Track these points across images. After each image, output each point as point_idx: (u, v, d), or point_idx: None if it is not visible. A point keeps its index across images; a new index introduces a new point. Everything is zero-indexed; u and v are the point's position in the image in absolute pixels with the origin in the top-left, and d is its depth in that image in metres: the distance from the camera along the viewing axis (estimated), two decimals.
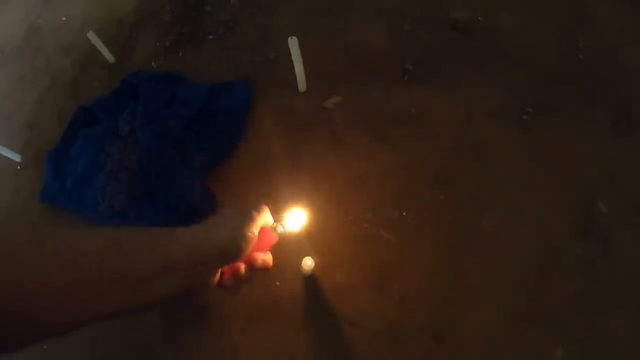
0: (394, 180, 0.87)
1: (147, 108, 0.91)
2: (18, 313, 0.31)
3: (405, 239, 0.82)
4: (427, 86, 0.93)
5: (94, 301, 0.35)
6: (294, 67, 0.90)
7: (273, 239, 0.49)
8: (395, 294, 0.78)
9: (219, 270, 0.45)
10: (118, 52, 1.24)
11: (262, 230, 0.47)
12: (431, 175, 0.86)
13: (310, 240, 0.81)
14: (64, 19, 1.40)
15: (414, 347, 0.74)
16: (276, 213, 0.50)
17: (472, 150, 0.87)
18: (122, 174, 0.86)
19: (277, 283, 0.81)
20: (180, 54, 1.18)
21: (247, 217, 0.44)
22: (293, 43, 0.84)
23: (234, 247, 0.42)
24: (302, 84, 0.94)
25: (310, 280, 0.81)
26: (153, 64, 1.18)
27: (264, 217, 0.47)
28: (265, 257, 0.48)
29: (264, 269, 0.48)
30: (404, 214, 0.84)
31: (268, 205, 0.48)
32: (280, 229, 0.49)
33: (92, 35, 1.15)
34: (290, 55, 0.87)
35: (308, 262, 0.78)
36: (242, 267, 0.47)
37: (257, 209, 0.46)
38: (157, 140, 0.88)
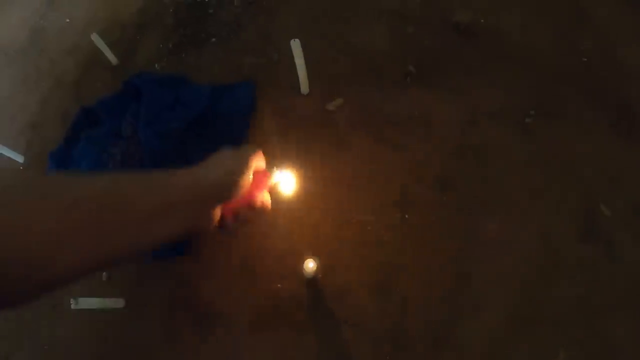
0: (396, 183, 0.87)
1: (149, 109, 0.91)
2: (19, 263, 0.31)
3: (406, 241, 0.82)
4: (429, 88, 0.93)
5: (95, 245, 0.36)
6: (296, 69, 0.90)
7: (268, 180, 0.51)
8: (396, 297, 0.78)
9: (219, 212, 0.46)
10: (121, 53, 1.24)
11: (257, 172, 0.49)
12: (433, 178, 0.86)
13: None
14: (67, 20, 1.41)
15: (415, 349, 0.74)
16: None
17: (473, 152, 0.87)
18: None
19: (279, 285, 0.81)
20: (183, 55, 1.18)
21: (242, 156, 0.46)
22: (295, 45, 0.84)
23: (231, 183, 0.44)
24: (304, 86, 0.95)
25: (312, 282, 0.81)
26: (156, 65, 1.19)
27: (258, 159, 0.49)
28: (263, 198, 0.50)
29: (264, 210, 0.50)
30: (406, 216, 0.83)
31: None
32: (275, 171, 0.52)
33: (95, 37, 1.15)
34: (292, 57, 0.87)
35: (310, 265, 0.78)
36: (242, 208, 0.49)
37: (251, 150, 0.48)
38: (160, 141, 0.88)
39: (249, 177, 0.46)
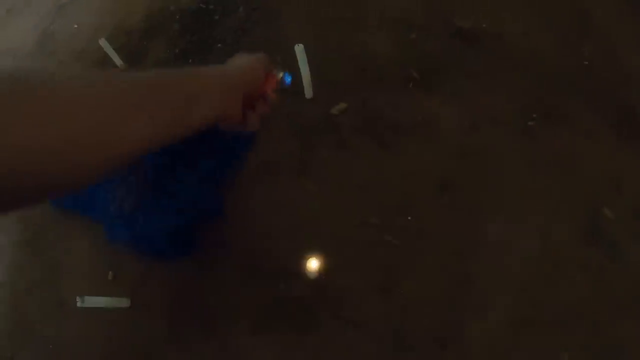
0: (399, 186, 0.88)
1: None
2: (92, 135, 0.36)
3: (410, 243, 0.83)
4: (432, 93, 0.95)
5: (151, 123, 0.42)
6: (300, 74, 0.92)
7: (274, 78, 0.64)
8: (400, 299, 0.79)
9: (240, 105, 0.55)
10: (129, 59, 1.26)
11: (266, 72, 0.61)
12: (436, 181, 0.87)
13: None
14: (75, 26, 1.43)
15: (419, 351, 0.74)
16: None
17: (476, 155, 0.88)
18: (131, 176, 0.87)
19: (283, 286, 0.82)
20: (190, 60, 1.20)
21: (256, 56, 0.59)
22: (300, 50, 0.86)
23: (251, 74, 0.56)
24: (308, 90, 0.96)
25: (315, 283, 0.81)
26: None
27: (267, 60, 0.61)
28: (273, 93, 0.63)
29: (274, 103, 0.64)
30: (409, 218, 0.84)
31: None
32: (280, 72, 0.65)
33: (103, 43, 1.17)
34: (297, 62, 0.88)
35: (313, 264, 0.79)
36: (258, 102, 0.61)
37: (261, 55, 0.60)
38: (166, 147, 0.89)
39: (263, 71, 0.58)
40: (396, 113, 0.94)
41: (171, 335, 0.83)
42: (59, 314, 0.88)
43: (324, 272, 0.82)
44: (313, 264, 0.80)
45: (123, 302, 0.83)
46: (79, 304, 0.77)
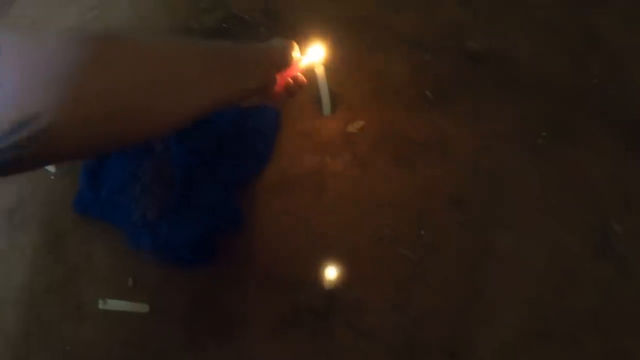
0: (413, 201, 0.90)
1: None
2: (168, 96, 0.43)
3: (423, 257, 0.85)
4: (445, 113, 0.98)
5: (217, 88, 0.49)
6: (319, 92, 0.96)
7: (300, 64, 0.73)
8: (412, 311, 0.81)
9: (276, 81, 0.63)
10: None
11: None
12: (449, 197, 0.90)
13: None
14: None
15: None
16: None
17: (488, 173, 0.91)
18: (155, 187, 0.90)
19: (299, 295, 0.84)
20: None
21: (288, 40, 0.65)
22: (319, 69, 0.90)
23: (285, 53, 0.63)
24: (326, 108, 1.00)
25: (330, 294, 0.83)
26: None
27: (296, 45, 0.68)
28: (302, 75, 0.73)
29: (302, 83, 0.74)
30: (422, 232, 0.87)
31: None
32: (303, 59, 0.74)
33: None
34: (316, 80, 0.92)
35: (329, 276, 0.81)
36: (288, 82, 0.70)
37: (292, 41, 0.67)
38: (189, 156, 0.93)
39: (294, 53, 0.65)
40: (411, 131, 0.97)
41: (187, 341, 0.84)
42: (77, 317, 0.90)
43: (339, 283, 0.84)
44: (329, 275, 0.82)
45: (144, 308, 0.85)
46: (100, 306, 0.80)
